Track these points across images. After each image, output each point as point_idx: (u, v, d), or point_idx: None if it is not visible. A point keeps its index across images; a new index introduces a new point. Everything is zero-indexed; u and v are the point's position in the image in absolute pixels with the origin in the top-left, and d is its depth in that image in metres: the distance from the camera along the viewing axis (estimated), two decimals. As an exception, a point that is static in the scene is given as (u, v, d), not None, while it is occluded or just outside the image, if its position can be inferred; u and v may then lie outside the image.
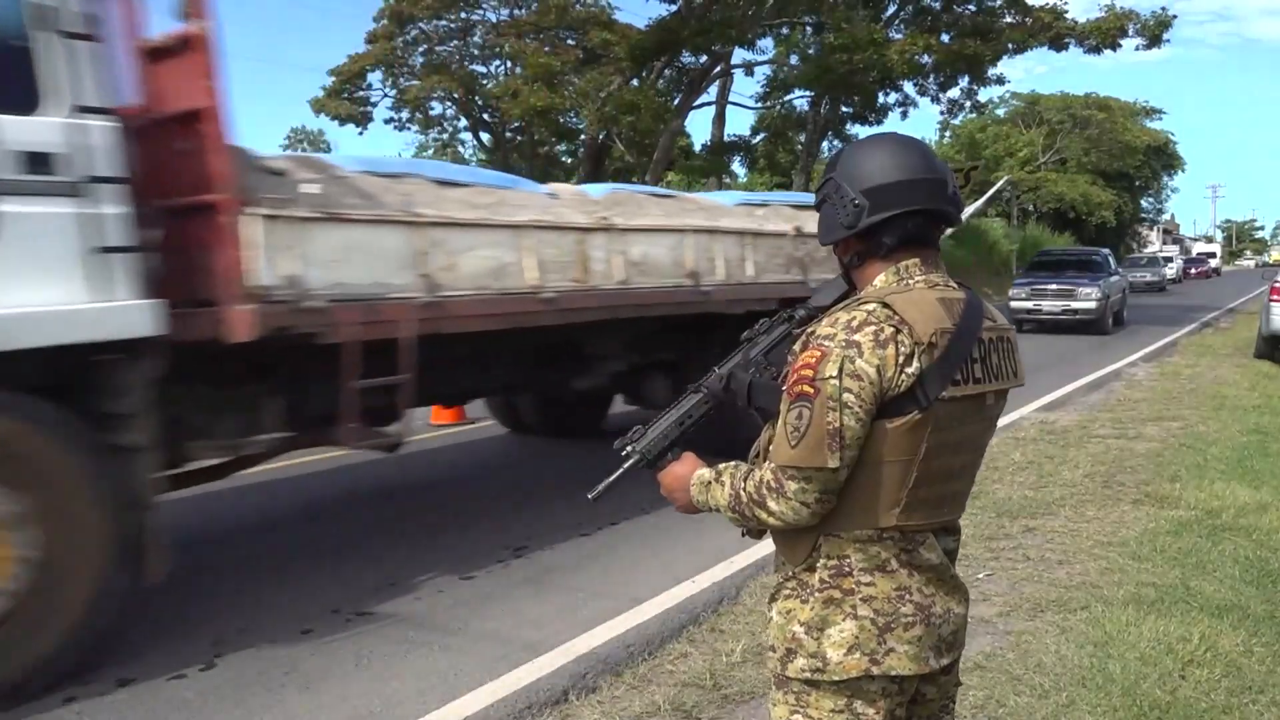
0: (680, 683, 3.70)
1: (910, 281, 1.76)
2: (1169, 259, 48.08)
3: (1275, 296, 13.35)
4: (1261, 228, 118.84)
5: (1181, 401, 10.14)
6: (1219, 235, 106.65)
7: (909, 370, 1.64)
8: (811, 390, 1.65)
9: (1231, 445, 7.75)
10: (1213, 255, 67.56)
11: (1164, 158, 54.21)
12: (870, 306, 1.69)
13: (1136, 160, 48.78)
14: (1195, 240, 77.11)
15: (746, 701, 3.55)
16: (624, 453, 2.00)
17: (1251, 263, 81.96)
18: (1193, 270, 54.21)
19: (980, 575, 4.78)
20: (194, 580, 5.03)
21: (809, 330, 1.75)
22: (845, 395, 1.63)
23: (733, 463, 1.86)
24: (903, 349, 1.65)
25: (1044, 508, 5.98)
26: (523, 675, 3.78)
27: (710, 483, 1.85)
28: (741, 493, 1.76)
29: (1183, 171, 64.13)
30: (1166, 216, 75.65)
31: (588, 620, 4.37)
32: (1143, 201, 59.49)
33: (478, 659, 4.00)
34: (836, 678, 1.72)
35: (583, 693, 3.66)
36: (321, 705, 3.63)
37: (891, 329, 1.66)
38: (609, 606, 4.54)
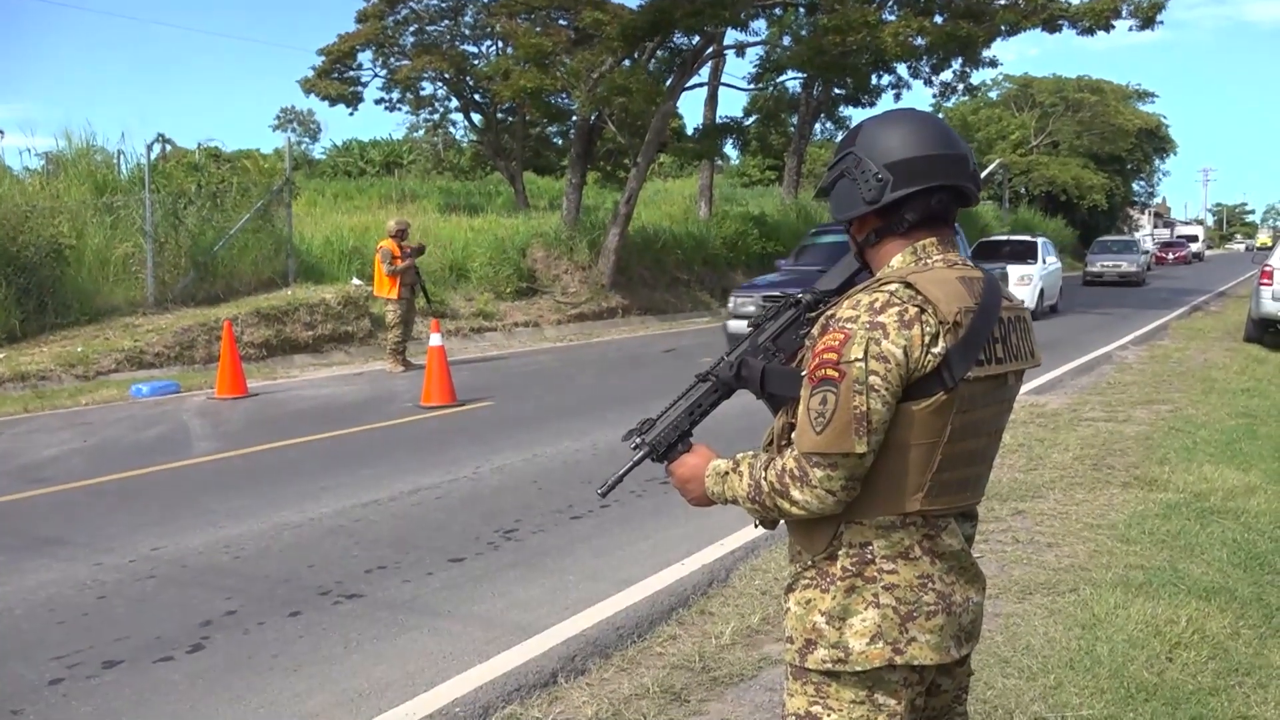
0: (669, 665, 3.70)
1: (929, 261, 1.73)
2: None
3: (1265, 280, 13.40)
4: (1252, 211, 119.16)
5: (1171, 385, 10.16)
6: (1210, 219, 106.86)
7: (934, 351, 1.61)
8: (836, 374, 1.61)
9: (1220, 428, 7.77)
10: (1194, 238, 59.19)
11: (1156, 141, 54.18)
12: (892, 287, 1.66)
13: (1128, 143, 48.73)
14: (1187, 224, 76.84)
15: (735, 684, 3.55)
16: (633, 445, 1.95)
17: (1242, 246, 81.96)
18: (1170, 255, 47.17)
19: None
20: (181, 562, 5.02)
21: (827, 313, 1.71)
22: (871, 378, 1.59)
23: (750, 452, 1.82)
24: (928, 329, 1.61)
25: (1033, 490, 5.99)
26: (512, 658, 3.78)
27: (727, 473, 1.80)
28: (762, 482, 1.71)
29: (1174, 155, 63.90)
30: (1158, 200, 75.67)
31: (577, 603, 4.37)
32: (1134, 185, 59.43)
33: (467, 642, 4.00)
34: (859, 668, 1.69)
35: (571, 675, 3.65)
36: (310, 688, 3.62)
37: (916, 309, 1.62)
38: (598, 589, 4.54)
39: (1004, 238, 22.19)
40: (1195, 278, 34.62)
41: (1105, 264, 30.59)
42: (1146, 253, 35.02)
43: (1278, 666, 3.58)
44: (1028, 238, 20.71)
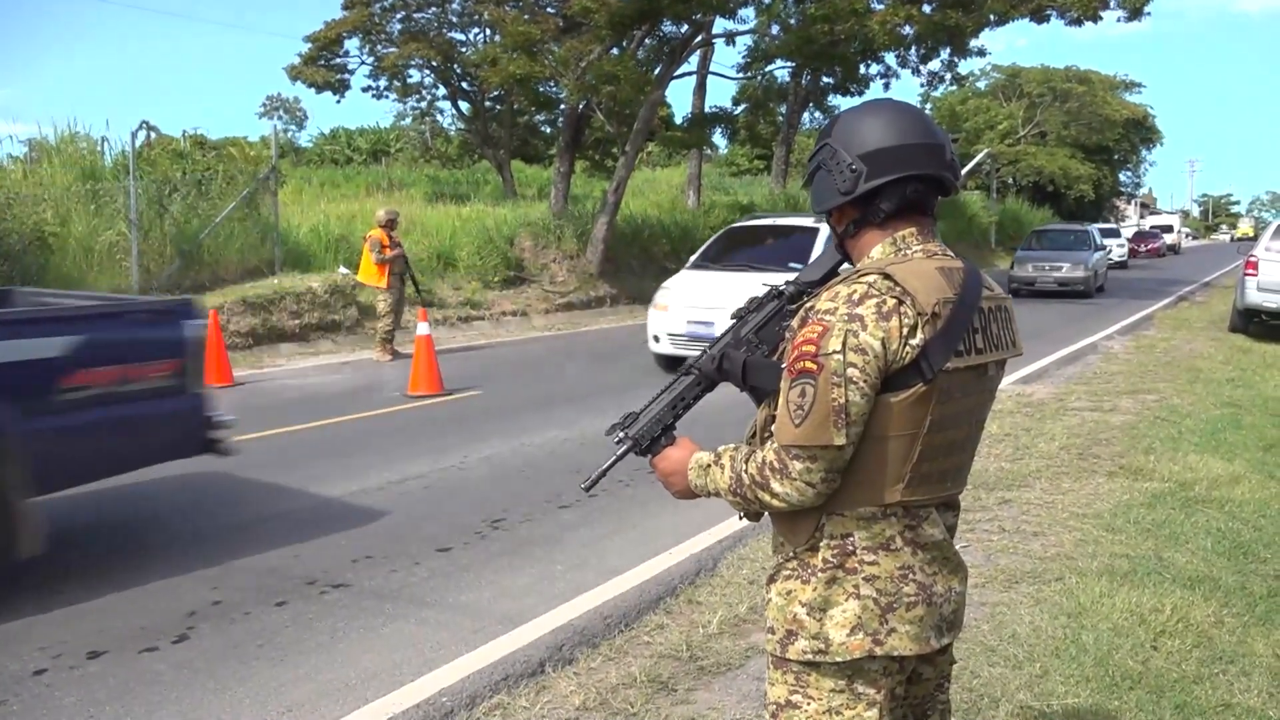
0: (656, 654, 3.70)
1: (908, 252, 1.72)
2: (1107, 236, 31.17)
3: (1250, 271, 13.46)
4: (1238, 202, 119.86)
5: (1157, 374, 10.21)
6: (1195, 209, 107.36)
7: (913, 342, 1.61)
8: (814, 366, 1.61)
9: (1205, 418, 7.82)
10: (1168, 229, 53.62)
11: (1143, 131, 54.33)
12: (871, 278, 1.65)
13: (1115, 134, 48.88)
14: (1172, 214, 77.05)
15: (722, 673, 3.55)
16: (616, 439, 1.96)
17: (1227, 237, 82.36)
18: (1142, 247, 43.63)
19: (956, 547, 4.80)
20: (167, 551, 4.99)
21: (807, 305, 1.71)
22: (850, 370, 1.59)
23: (731, 444, 1.82)
24: (906, 320, 1.61)
25: (1020, 480, 6.02)
26: (499, 647, 3.77)
27: (709, 466, 1.81)
28: (743, 475, 1.72)
29: (1161, 145, 64.02)
30: (1144, 190, 75.95)
31: (564, 592, 4.37)
32: (1121, 175, 59.60)
33: (454, 631, 3.99)
34: (839, 659, 1.70)
35: (559, 664, 3.65)
36: (296, 678, 3.61)
37: (894, 300, 1.62)
38: (586, 579, 4.54)
39: (763, 220, 12.72)
40: (1174, 271, 34.25)
41: (1038, 266, 21.44)
42: (1103, 249, 24.18)
43: (1261, 654, 3.61)
44: (807, 222, 11.44)
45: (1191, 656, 3.58)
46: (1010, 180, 46.98)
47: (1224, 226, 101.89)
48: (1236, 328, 13.90)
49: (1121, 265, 33.69)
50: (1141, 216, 66.89)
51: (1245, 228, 79.45)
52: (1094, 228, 26.36)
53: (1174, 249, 50.24)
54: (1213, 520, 5.17)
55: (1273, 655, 3.61)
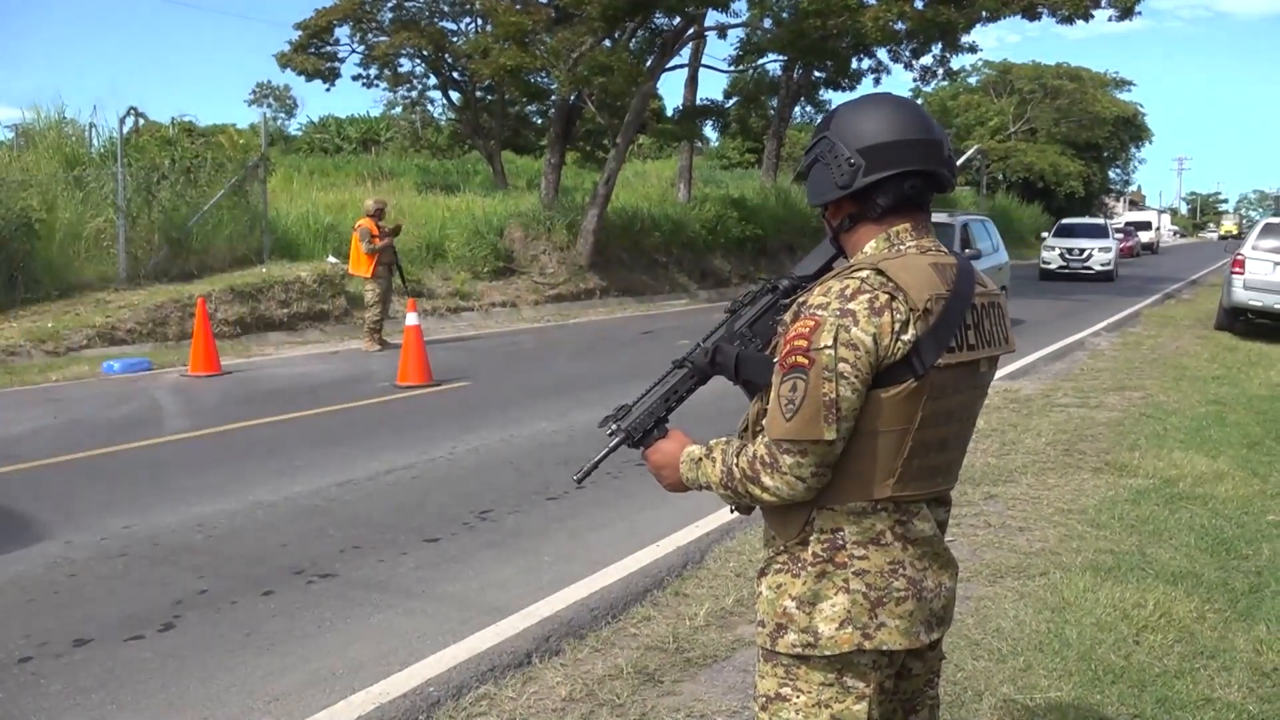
0: (643, 646, 3.71)
1: (902, 247, 1.73)
2: (1093, 234, 27.09)
3: (1236, 269, 13.53)
4: (1225, 200, 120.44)
5: (1143, 372, 10.27)
6: (1184, 207, 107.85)
7: (904, 338, 1.61)
8: (806, 361, 1.61)
9: (1191, 415, 7.87)
10: (1145, 226, 49.50)
11: (1132, 129, 54.55)
12: (863, 273, 1.66)
13: (1105, 131, 49.08)
14: (1151, 211, 77.19)
15: (709, 665, 3.57)
16: (609, 431, 1.97)
17: (1214, 235, 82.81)
18: None
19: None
20: (153, 540, 4.98)
21: (800, 299, 1.71)
22: (841, 365, 1.60)
23: (723, 438, 1.82)
24: (898, 316, 1.61)
25: (1006, 475, 6.05)
26: (486, 638, 3.78)
27: (701, 459, 1.82)
28: (734, 469, 1.72)
29: (1150, 143, 64.17)
30: (1133, 188, 76.17)
31: (551, 584, 4.38)
32: (1110, 172, 59.82)
33: (441, 622, 4.00)
34: (828, 652, 1.70)
35: (546, 655, 3.66)
36: (282, 667, 3.61)
37: (886, 296, 1.62)
38: (573, 570, 4.55)
39: None
40: (1160, 269, 33.58)
41: None
42: (994, 254, 14.88)
43: (1242, 650, 3.64)
44: None
45: (1173, 651, 3.62)
46: (1000, 176, 47.12)
47: (1211, 225, 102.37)
48: (1223, 326, 13.98)
49: (1106, 277, 25.83)
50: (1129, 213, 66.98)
51: (1229, 225, 79.82)
52: (968, 218, 15.49)
53: (1150, 248, 46.55)
54: (1196, 516, 5.21)
55: (1253, 650, 3.64)
